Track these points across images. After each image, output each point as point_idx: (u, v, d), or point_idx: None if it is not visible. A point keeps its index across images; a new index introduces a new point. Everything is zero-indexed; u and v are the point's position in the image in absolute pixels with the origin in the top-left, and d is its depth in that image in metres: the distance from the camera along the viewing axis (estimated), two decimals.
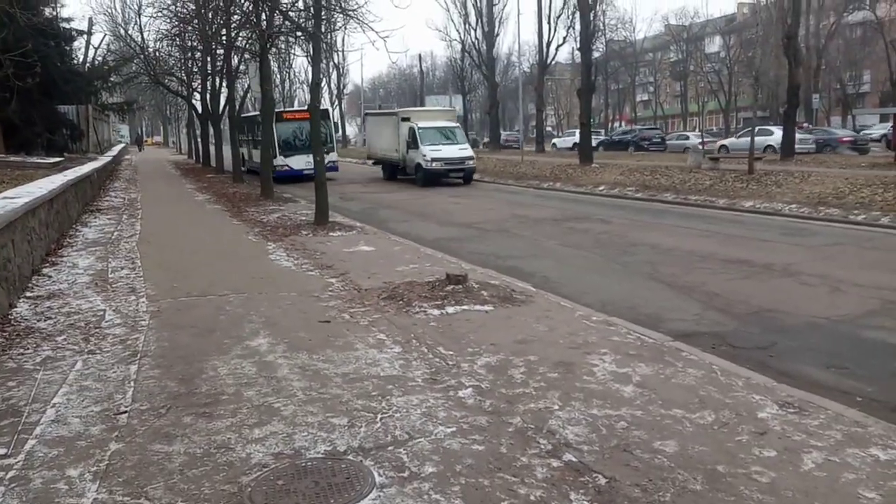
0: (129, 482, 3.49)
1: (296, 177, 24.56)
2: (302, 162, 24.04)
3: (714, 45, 62.98)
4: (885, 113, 36.77)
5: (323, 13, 14.12)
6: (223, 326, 6.21)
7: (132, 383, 4.84)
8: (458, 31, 47.75)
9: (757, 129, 28.28)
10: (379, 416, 4.24)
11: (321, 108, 21.42)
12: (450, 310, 6.68)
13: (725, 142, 34.08)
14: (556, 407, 4.36)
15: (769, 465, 3.58)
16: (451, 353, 5.43)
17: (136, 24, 31.60)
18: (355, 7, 14.18)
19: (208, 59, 26.06)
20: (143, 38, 30.12)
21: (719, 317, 7.04)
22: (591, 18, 31.36)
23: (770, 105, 50.58)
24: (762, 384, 4.76)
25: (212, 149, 33.78)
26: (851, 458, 3.64)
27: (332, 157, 25.40)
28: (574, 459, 3.68)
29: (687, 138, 38.92)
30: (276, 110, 24.46)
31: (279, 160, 24.40)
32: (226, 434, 4.01)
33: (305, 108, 29.92)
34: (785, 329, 6.58)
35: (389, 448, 3.81)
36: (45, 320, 6.42)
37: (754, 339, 6.31)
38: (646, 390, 4.62)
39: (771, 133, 30.57)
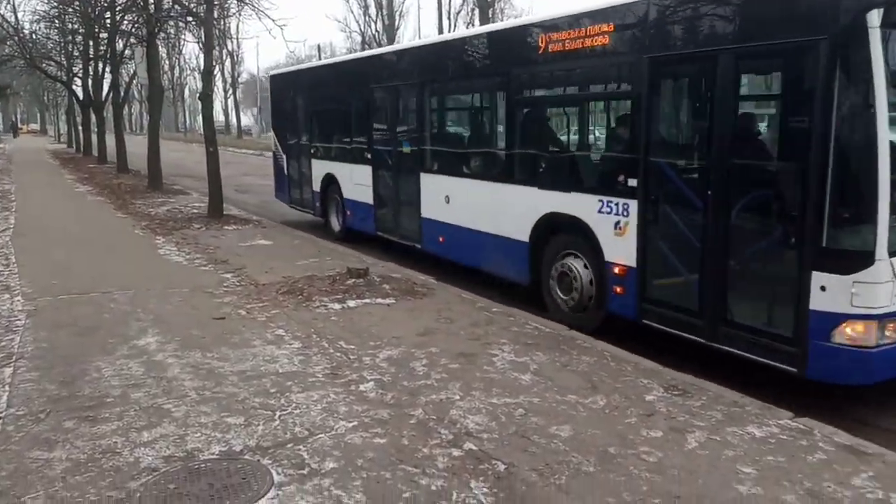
0: (4, 493, 3.25)
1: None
2: None
3: None
4: None
5: None
6: (107, 325, 5.87)
7: (7, 387, 4.51)
8: (357, 22, 47.16)
9: None
10: (277, 413, 4.14)
11: None
12: (351, 304, 6.61)
13: None
14: (458, 397, 4.41)
15: (656, 446, 3.77)
16: (353, 347, 5.38)
17: (8, 3, 29.24)
18: None
19: (90, 42, 24.48)
20: (17, 18, 27.94)
21: None
22: (490, 15, 31.85)
23: None
24: (650, 368, 5.00)
25: (95, 138, 31.69)
26: (731, 436, 3.89)
27: None
28: (474, 448, 3.74)
29: None
30: None
31: None
32: (112, 438, 3.80)
33: None
34: None
35: (289, 446, 3.73)
36: None
37: None
38: (542, 378, 4.76)
39: None
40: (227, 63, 58.68)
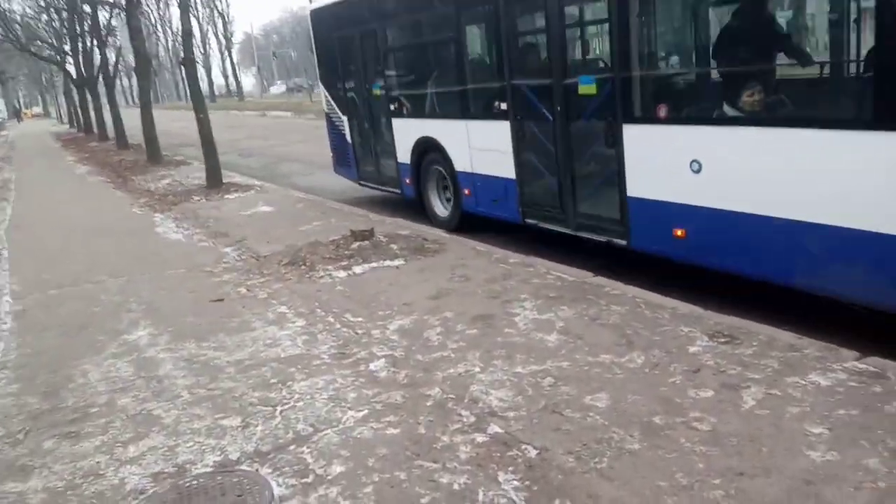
0: None
1: None
2: None
3: None
4: None
5: None
6: (97, 320, 5.46)
7: None
8: None
9: None
10: (278, 408, 3.71)
11: None
12: (357, 269, 6.14)
13: None
14: (478, 369, 3.95)
15: (708, 409, 3.28)
16: (361, 319, 4.92)
17: None
18: None
19: (75, 17, 23.70)
20: (9, 3, 27.17)
21: None
22: None
23: None
24: (689, 314, 4.48)
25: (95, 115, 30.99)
26: (792, 388, 3.38)
27: None
28: (500, 431, 3.28)
29: None
30: None
31: None
32: (94, 457, 3.40)
33: None
34: None
35: (290, 448, 3.31)
36: None
37: None
38: (570, 337, 4.27)
39: None
40: (220, 23, 57.24)
